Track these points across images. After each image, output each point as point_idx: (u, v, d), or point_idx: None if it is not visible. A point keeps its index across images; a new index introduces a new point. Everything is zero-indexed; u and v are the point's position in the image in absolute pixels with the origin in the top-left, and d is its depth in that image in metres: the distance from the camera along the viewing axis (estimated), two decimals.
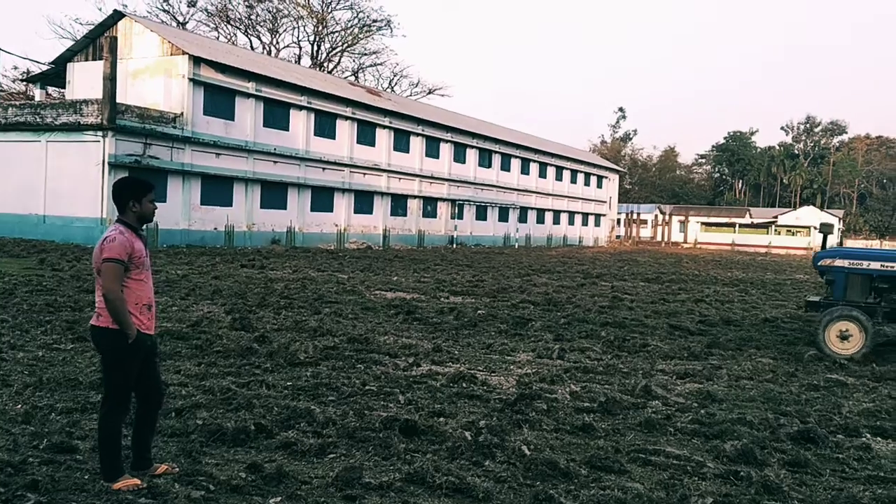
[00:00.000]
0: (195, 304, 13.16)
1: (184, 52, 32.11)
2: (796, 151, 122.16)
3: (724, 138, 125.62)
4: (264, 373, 7.91)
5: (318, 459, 5.31)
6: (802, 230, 77.59)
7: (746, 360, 9.71)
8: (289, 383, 7.41)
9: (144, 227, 4.87)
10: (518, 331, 11.65)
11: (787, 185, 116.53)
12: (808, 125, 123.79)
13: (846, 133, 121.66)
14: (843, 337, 10.17)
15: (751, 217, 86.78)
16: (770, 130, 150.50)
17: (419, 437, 5.76)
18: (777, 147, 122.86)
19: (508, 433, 5.95)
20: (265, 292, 15.33)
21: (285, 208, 37.24)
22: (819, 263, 11.23)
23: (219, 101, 33.70)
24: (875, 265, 10.61)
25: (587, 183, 71.46)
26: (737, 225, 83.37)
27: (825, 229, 12.24)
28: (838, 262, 10.96)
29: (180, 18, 58.97)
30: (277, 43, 65.28)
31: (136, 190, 4.73)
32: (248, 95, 34.95)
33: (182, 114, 31.90)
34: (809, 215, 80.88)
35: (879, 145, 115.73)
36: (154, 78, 32.87)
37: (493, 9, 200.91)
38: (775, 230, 78.91)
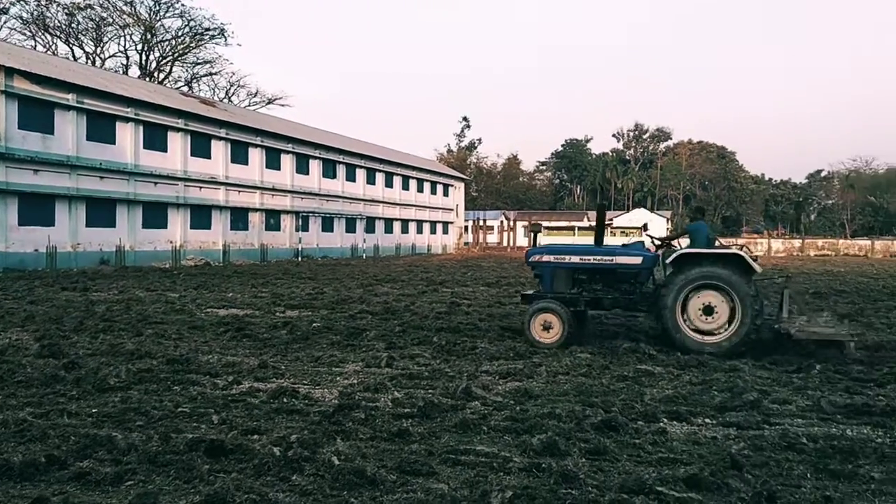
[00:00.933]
0: (2, 332, 12.17)
1: None
2: (627, 157, 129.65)
3: (562, 146, 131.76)
4: (69, 401, 7.41)
5: (114, 488, 5.02)
6: (635, 231, 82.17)
7: (566, 357, 10.10)
8: (94, 410, 6.97)
9: None
10: (351, 342, 11.56)
11: (621, 189, 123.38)
12: (636, 132, 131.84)
13: (671, 139, 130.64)
14: (546, 327, 11.15)
15: (589, 220, 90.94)
16: (603, 137, 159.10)
17: (226, 457, 5.56)
18: (610, 153, 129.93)
19: (321, 445, 5.87)
20: (84, 316, 14.41)
21: (114, 226, 35.27)
22: (530, 260, 12.17)
23: (36, 115, 31.44)
24: (575, 259, 11.80)
25: (434, 191, 72.46)
26: (576, 228, 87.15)
27: (535, 229, 13.22)
28: (545, 258, 12.00)
29: None
30: (102, 52, 62.04)
31: None
32: (69, 108, 32.86)
33: None
34: (641, 217, 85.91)
35: (700, 150, 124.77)
36: None
37: (334, 17, 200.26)
38: (611, 232, 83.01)
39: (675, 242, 12.43)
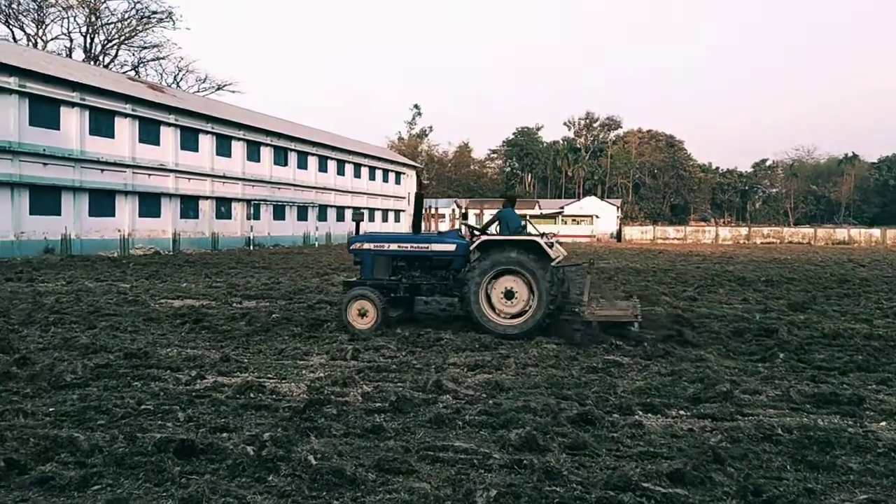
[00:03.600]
0: None
1: None
2: (578, 146, 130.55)
3: (514, 134, 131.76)
4: (23, 399, 7.08)
5: (80, 493, 4.78)
6: (586, 218, 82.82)
7: (533, 348, 10.06)
8: (52, 409, 6.68)
9: None
10: (313, 333, 11.36)
11: (572, 177, 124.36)
12: (587, 121, 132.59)
13: (621, 128, 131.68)
14: (362, 314, 11.53)
15: (540, 208, 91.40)
16: (554, 126, 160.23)
17: (197, 458, 5.36)
18: (561, 142, 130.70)
19: (295, 443, 5.70)
20: (32, 308, 13.89)
21: (59, 214, 34.20)
22: (352, 248, 12.57)
23: None
24: (393, 247, 12.27)
25: (385, 179, 72.05)
26: (528, 216, 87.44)
27: (357, 217, 13.57)
28: (366, 246, 12.41)
29: None
30: (45, 34, 60.02)
31: None
32: (11, 92, 31.67)
33: None
34: (592, 205, 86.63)
35: (650, 139, 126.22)
36: None
37: (283, 2, 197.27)
38: (562, 220, 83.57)
39: (490, 230, 12.67)
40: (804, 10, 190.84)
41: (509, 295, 11.16)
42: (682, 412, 6.86)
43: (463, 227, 12.80)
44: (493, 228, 12.61)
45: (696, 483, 4.94)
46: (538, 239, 11.26)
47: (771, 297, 17.35)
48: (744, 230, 78.39)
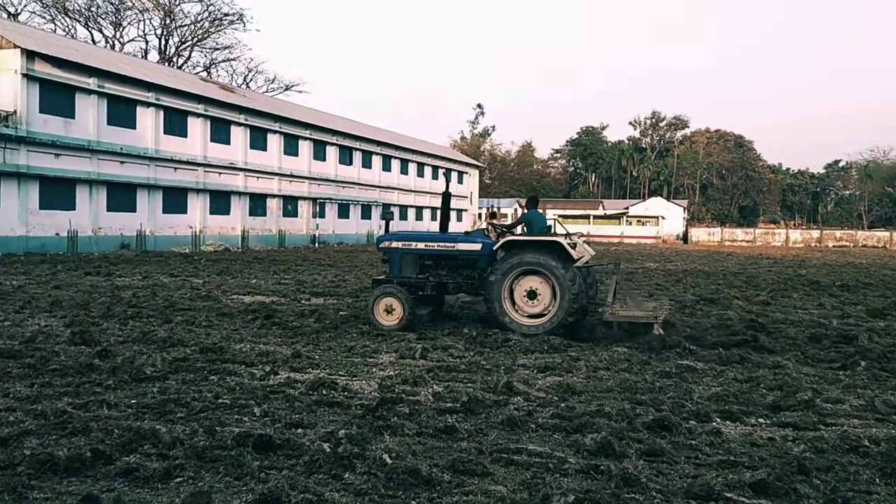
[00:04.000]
0: (31, 318, 12.13)
1: (15, 46, 29.66)
2: (644, 145, 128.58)
3: (577, 133, 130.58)
4: (106, 391, 7.30)
5: (163, 485, 4.89)
6: (651, 220, 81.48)
7: (603, 351, 9.92)
8: (133, 401, 6.87)
9: None
10: (381, 331, 11.44)
11: (637, 178, 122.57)
12: (653, 120, 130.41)
13: (688, 127, 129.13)
14: (388, 311, 11.61)
15: (604, 209, 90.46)
16: (620, 125, 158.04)
17: (275, 453, 5.44)
18: (626, 141, 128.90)
19: (370, 441, 5.74)
20: (111, 302, 14.35)
21: (135, 211, 35.30)
22: (380, 246, 12.79)
23: (57, 98, 31.39)
24: (421, 245, 12.42)
25: (448, 178, 72.14)
26: (591, 216, 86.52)
27: (386, 216, 13.82)
28: (394, 244, 12.58)
29: (11, 10, 54.71)
30: (122, 37, 62.03)
31: None
32: (90, 92, 32.79)
33: (15, 112, 29.47)
34: (658, 206, 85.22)
35: (718, 138, 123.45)
36: None
37: (350, 4, 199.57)
38: (627, 220, 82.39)
39: (517, 231, 12.71)
40: (879, 5, 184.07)
41: (532, 295, 11.30)
42: (761, 420, 6.66)
43: (489, 227, 12.96)
44: (520, 230, 12.66)
45: (780, 494, 4.78)
46: (560, 239, 11.36)
47: (848, 303, 16.77)
48: (815, 233, 76.09)
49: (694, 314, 14.10)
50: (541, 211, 12.52)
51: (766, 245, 70.84)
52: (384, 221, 13.79)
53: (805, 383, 8.06)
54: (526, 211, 12.92)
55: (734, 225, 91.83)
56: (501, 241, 11.72)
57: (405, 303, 11.52)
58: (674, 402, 7.13)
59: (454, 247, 12.19)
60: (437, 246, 12.28)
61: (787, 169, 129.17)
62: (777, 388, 7.77)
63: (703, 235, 77.03)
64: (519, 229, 12.66)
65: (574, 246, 11.36)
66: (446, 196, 12.81)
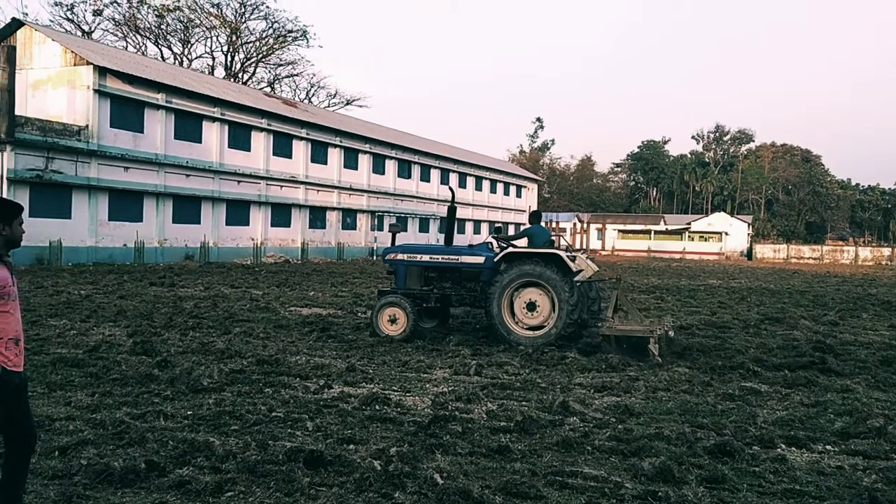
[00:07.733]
0: (96, 327, 12.44)
1: (88, 63, 30.78)
2: (707, 160, 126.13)
3: (639, 147, 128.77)
4: (163, 401, 7.41)
5: (215, 499, 4.91)
6: (715, 235, 79.81)
7: (663, 371, 9.66)
8: (189, 412, 6.94)
9: (11, 252, 4.36)
10: (435, 346, 11.38)
11: (699, 192, 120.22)
12: (717, 134, 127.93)
13: (753, 141, 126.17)
14: (392, 320, 11.90)
15: (665, 224, 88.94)
16: (682, 139, 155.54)
17: (325, 469, 5.41)
18: (689, 155, 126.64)
19: (421, 460, 5.66)
20: (173, 312, 14.64)
21: (199, 223, 36.13)
22: (386, 258, 13.00)
23: (127, 113, 32.44)
24: (426, 258, 12.65)
25: (507, 192, 72.08)
26: (652, 232, 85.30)
27: (394, 229, 13.98)
28: (400, 256, 12.79)
29: (85, 28, 56.75)
30: (189, 53, 63.63)
31: (5, 212, 4.23)
32: (158, 107, 33.78)
33: (87, 126, 30.53)
34: (721, 221, 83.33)
35: (784, 153, 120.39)
36: (57, 89, 31.39)
37: (409, 20, 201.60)
38: (689, 236, 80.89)
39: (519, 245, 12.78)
40: None
41: (531, 307, 11.46)
42: (829, 447, 6.37)
43: (493, 241, 13.02)
44: (523, 244, 12.69)
45: None
46: (560, 252, 11.54)
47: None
48: (886, 251, 73.30)
49: (759, 334, 13.69)
50: (543, 225, 12.60)
51: (834, 263, 68.60)
52: (392, 235, 14.08)
53: (876, 409, 7.69)
54: (530, 225, 13.09)
55: (800, 242, 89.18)
56: (502, 253, 11.88)
57: (409, 314, 11.82)
58: (736, 426, 6.87)
59: (458, 259, 12.43)
60: (442, 259, 12.52)
61: (857, 184, 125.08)
62: (846, 413, 7.44)
63: (769, 252, 75.01)
64: (522, 243, 12.79)
65: (574, 259, 11.51)
66: (451, 209, 12.90)
